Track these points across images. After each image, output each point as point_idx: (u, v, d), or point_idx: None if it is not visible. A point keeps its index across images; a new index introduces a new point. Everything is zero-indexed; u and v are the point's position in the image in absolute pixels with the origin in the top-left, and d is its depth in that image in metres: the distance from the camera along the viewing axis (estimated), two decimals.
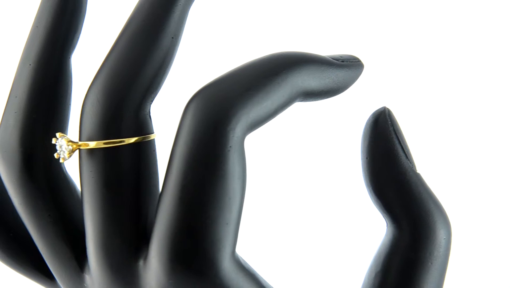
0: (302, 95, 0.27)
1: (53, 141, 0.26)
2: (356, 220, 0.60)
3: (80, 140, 0.26)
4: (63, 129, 0.28)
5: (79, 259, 0.28)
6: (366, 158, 0.30)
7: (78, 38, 0.29)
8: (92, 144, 0.26)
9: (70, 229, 0.28)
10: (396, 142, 0.29)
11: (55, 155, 0.26)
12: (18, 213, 0.29)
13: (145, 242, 0.27)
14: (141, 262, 0.26)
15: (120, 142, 0.26)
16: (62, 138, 0.26)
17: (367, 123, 0.30)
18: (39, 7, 0.28)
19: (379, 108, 0.30)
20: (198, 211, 0.25)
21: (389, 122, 0.30)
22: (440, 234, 0.29)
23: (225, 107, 0.24)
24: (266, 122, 0.26)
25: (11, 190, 0.28)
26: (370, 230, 0.58)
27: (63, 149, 0.26)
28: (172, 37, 0.27)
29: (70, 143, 0.26)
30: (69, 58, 0.28)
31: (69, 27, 0.28)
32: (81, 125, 0.26)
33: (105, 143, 0.26)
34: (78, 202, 0.29)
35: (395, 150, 0.29)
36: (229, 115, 0.24)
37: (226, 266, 0.25)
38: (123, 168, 0.26)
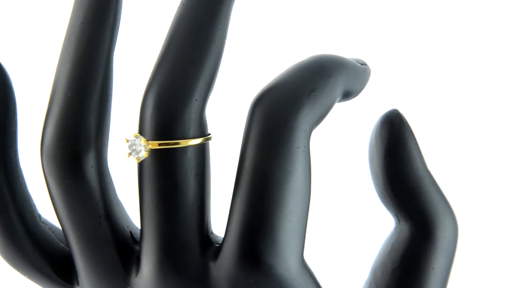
0: (342, 95, 0.29)
1: (125, 141, 0.26)
2: (353, 219, 0.61)
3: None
4: (109, 128, 0.28)
5: (124, 263, 0.28)
6: (386, 158, 0.32)
7: (118, 34, 0.28)
8: (174, 144, 0.26)
9: (117, 231, 0.28)
10: (415, 142, 0.31)
11: (127, 155, 0.26)
12: (59, 216, 0.28)
13: (210, 242, 0.27)
14: (209, 262, 0.27)
15: (191, 142, 0.26)
16: (138, 137, 0.26)
17: (380, 125, 0.31)
18: (79, 2, 0.27)
19: (391, 110, 0.32)
20: (272, 210, 0.26)
21: (406, 124, 0.32)
22: (453, 232, 0.31)
23: (296, 109, 0.26)
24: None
25: (59, 191, 0.27)
26: (364, 229, 0.60)
27: (140, 149, 0.26)
28: (223, 33, 0.27)
29: (149, 143, 0.26)
30: (113, 55, 0.28)
31: (114, 23, 0.27)
32: (144, 125, 0.26)
33: (176, 143, 0.26)
34: (120, 204, 0.28)
35: (414, 151, 0.31)
36: (300, 116, 0.26)
37: (297, 265, 0.26)
38: (191, 168, 0.26)
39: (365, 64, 0.30)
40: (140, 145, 0.26)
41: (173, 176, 0.26)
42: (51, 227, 0.30)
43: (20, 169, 0.29)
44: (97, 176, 0.27)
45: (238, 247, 0.26)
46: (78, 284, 0.29)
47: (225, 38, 0.27)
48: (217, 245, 0.27)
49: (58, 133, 0.26)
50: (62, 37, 0.28)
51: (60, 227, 0.30)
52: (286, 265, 0.26)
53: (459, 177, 0.60)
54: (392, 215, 0.33)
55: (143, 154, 0.26)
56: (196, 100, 0.26)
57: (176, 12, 0.27)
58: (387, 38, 0.62)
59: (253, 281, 0.26)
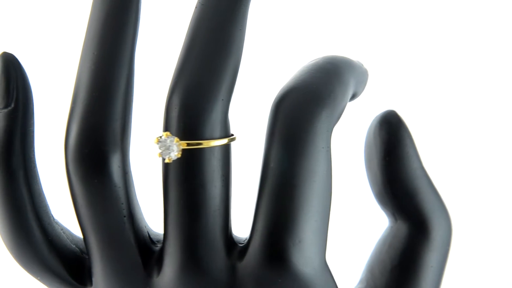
0: (351, 96, 0.29)
1: (155, 141, 0.26)
2: (345, 218, 0.61)
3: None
4: (131, 127, 0.28)
5: (144, 263, 0.28)
6: (386, 158, 0.32)
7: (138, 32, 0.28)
8: (202, 144, 0.26)
9: (138, 232, 0.28)
10: (413, 143, 0.32)
11: (157, 155, 0.26)
12: (81, 216, 0.27)
13: (233, 242, 0.27)
14: (235, 262, 0.27)
15: (219, 142, 0.26)
16: (171, 137, 0.26)
17: (379, 126, 0.32)
18: (100, 1, 0.27)
19: (388, 111, 0.33)
20: (300, 210, 0.26)
21: (404, 124, 0.33)
22: (448, 230, 0.32)
23: (319, 110, 0.26)
24: None
25: (84, 191, 0.27)
26: (355, 228, 0.60)
27: (173, 149, 0.26)
28: (243, 33, 0.27)
29: (182, 143, 0.26)
30: (135, 53, 0.28)
31: (136, 21, 0.27)
32: (171, 125, 0.26)
33: (206, 143, 0.26)
34: (138, 204, 0.28)
35: (413, 151, 0.32)
36: (323, 117, 0.26)
37: (321, 264, 0.27)
38: (218, 169, 0.26)
39: (363, 65, 0.31)
40: (173, 145, 0.25)
41: (201, 177, 0.26)
42: (62, 227, 0.29)
43: (37, 169, 0.28)
44: (123, 176, 0.27)
45: (266, 246, 0.26)
46: (91, 285, 0.29)
47: (244, 38, 0.27)
48: (240, 244, 0.27)
49: (85, 133, 0.26)
50: (82, 36, 0.28)
51: (71, 228, 0.30)
52: (312, 264, 0.26)
53: (453, 176, 0.61)
54: (388, 214, 0.34)
55: (175, 154, 0.26)
56: (222, 100, 0.26)
57: (195, 12, 0.27)
58: (379, 39, 0.62)
59: (281, 280, 0.26)
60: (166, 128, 0.26)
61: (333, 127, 0.27)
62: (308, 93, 0.26)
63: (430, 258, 0.32)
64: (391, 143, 0.33)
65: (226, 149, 0.27)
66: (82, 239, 0.30)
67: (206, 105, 0.26)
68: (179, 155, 0.26)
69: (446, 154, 0.62)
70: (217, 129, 0.26)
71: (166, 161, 0.26)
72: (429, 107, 0.62)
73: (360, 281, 0.33)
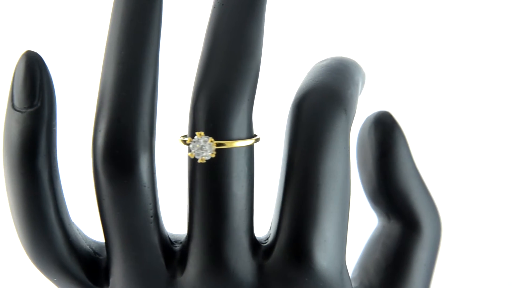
0: None
1: (188, 140, 0.26)
2: None
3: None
4: (156, 126, 0.28)
5: (167, 264, 0.28)
6: (381, 159, 0.33)
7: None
8: (234, 144, 0.26)
9: (161, 232, 0.28)
10: (407, 144, 0.33)
11: (189, 155, 0.26)
12: (106, 216, 0.27)
13: (257, 241, 0.28)
14: (260, 261, 0.27)
15: (248, 142, 0.27)
16: (204, 137, 0.26)
17: (373, 127, 0.33)
18: (123, 1, 0.27)
19: (382, 112, 0.34)
20: (325, 209, 0.27)
21: (398, 126, 0.34)
22: (439, 229, 0.34)
23: (340, 110, 0.27)
24: None
25: (113, 191, 0.26)
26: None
27: (207, 149, 0.26)
28: (263, 33, 0.27)
29: (216, 143, 0.26)
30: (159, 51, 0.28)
31: (160, 20, 0.27)
32: (199, 125, 0.26)
33: (236, 143, 0.26)
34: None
35: (407, 152, 0.33)
36: (344, 116, 0.27)
37: (343, 263, 0.28)
38: (245, 168, 0.27)
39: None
40: (206, 145, 0.26)
41: (230, 177, 0.26)
42: (77, 228, 0.29)
43: (58, 169, 0.28)
44: (151, 175, 0.27)
45: (293, 245, 0.26)
46: (107, 285, 0.28)
47: (263, 38, 0.27)
48: (263, 244, 0.28)
49: (116, 133, 0.26)
50: (105, 36, 0.27)
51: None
52: (335, 264, 0.27)
53: (444, 176, 0.62)
54: (380, 214, 0.35)
55: (209, 154, 0.26)
56: (248, 100, 0.27)
57: (214, 12, 0.27)
58: (369, 40, 0.63)
59: (308, 279, 0.26)
60: (193, 129, 0.26)
61: (351, 126, 0.28)
62: (328, 93, 0.27)
63: (423, 257, 0.33)
64: (387, 144, 0.34)
65: (251, 149, 0.27)
66: (94, 240, 0.29)
67: (234, 105, 0.26)
68: (213, 155, 0.26)
69: (436, 153, 0.62)
70: (244, 129, 0.26)
71: (199, 161, 0.26)
72: (416, 107, 0.62)
73: (353, 280, 0.33)
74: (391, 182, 0.34)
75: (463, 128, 0.62)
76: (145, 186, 0.26)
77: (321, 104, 0.27)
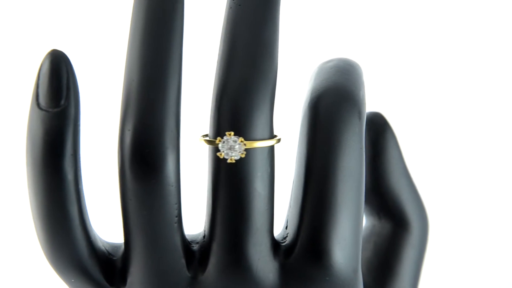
0: None
1: (217, 140, 0.26)
2: None
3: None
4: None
5: (188, 265, 0.28)
6: (375, 159, 0.34)
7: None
8: (261, 144, 0.26)
9: (183, 232, 0.28)
10: (398, 146, 0.34)
11: (218, 155, 0.26)
12: (130, 216, 0.27)
13: (276, 241, 0.28)
14: (281, 261, 0.27)
15: (272, 141, 0.27)
16: (234, 137, 0.26)
17: (366, 127, 0.34)
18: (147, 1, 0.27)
19: (375, 113, 0.35)
20: (345, 209, 0.27)
21: (391, 128, 0.35)
22: (427, 228, 0.35)
23: (356, 110, 0.28)
24: None
25: (140, 191, 0.26)
26: None
27: (236, 149, 0.26)
28: (278, 31, 0.28)
29: (246, 143, 0.26)
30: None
31: (183, 19, 0.27)
32: (225, 127, 0.26)
33: (263, 143, 0.27)
34: None
35: (399, 154, 0.34)
36: (359, 117, 0.28)
37: (359, 262, 0.28)
38: (268, 168, 0.27)
39: None
40: (236, 145, 0.26)
41: (255, 176, 0.27)
42: (93, 228, 0.29)
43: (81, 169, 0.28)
44: (177, 175, 0.27)
45: (314, 245, 0.27)
46: (123, 286, 0.28)
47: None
48: (282, 243, 0.28)
49: (145, 132, 0.26)
50: (127, 36, 0.27)
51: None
52: (352, 261, 0.28)
53: (433, 175, 0.63)
54: (371, 213, 0.36)
55: (239, 154, 0.26)
56: (270, 100, 0.27)
57: (231, 12, 0.27)
58: (360, 41, 0.63)
59: (329, 279, 0.27)
60: (219, 129, 0.27)
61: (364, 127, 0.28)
62: (344, 95, 0.28)
63: (412, 254, 0.35)
64: (380, 145, 0.34)
65: (273, 149, 0.27)
66: (106, 241, 0.29)
67: (258, 105, 0.26)
68: (243, 155, 0.26)
69: (424, 153, 0.63)
70: (268, 129, 0.27)
71: (229, 161, 0.26)
72: (406, 107, 0.63)
73: None
74: (383, 182, 0.35)
75: (452, 128, 0.63)
76: (172, 186, 0.26)
77: (338, 105, 0.27)
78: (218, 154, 0.26)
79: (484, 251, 0.63)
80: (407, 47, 0.63)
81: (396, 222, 0.35)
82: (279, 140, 0.27)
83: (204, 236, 0.28)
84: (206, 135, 0.28)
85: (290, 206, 0.29)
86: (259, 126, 0.26)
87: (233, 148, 0.26)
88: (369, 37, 0.63)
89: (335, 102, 0.27)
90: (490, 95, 0.63)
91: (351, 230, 0.27)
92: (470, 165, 0.63)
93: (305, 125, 0.28)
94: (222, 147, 0.26)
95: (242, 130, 0.26)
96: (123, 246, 0.28)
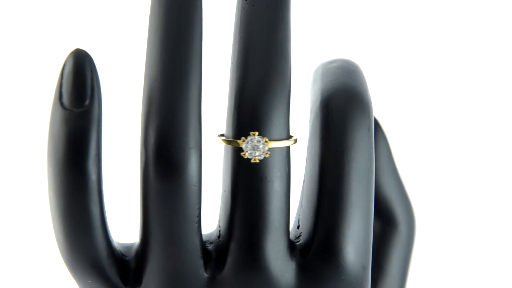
0: None
1: (242, 140, 0.26)
2: None
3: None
4: None
5: (205, 264, 0.28)
6: None
7: None
8: (282, 143, 0.27)
9: (201, 232, 0.28)
10: (389, 148, 0.35)
11: (242, 154, 0.26)
12: (151, 216, 0.27)
13: (291, 240, 0.28)
14: (297, 260, 0.28)
15: (291, 141, 0.27)
16: (258, 137, 0.26)
17: None
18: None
19: None
20: (360, 210, 0.28)
21: (383, 131, 0.36)
22: (414, 228, 0.36)
23: (368, 110, 0.28)
24: None
25: (164, 191, 0.26)
26: None
27: (260, 149, 0.26)
28: (290, 31, 0.28)
29: (269, 143, 0.26)
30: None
31: (201, 19, 0.27)
32: (245, 127, 0.27)
33: (285, 143, 0.27)
34: None
35: (390, 153, 0.35)
36: (368, 117, 0.28)
37: (370, 262, 0.29)
38: (286, 167, 0.28)
39: None
40: (260, 144, 0.26)
41: (276, 176, 0.27)
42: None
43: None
44: (200, 175, 0.27)
45: (331, 246, 0.27)
46: (138, 286, 0.28)
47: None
48: (296, 242, 0.28)
49: (170, 132, 0.26)
50: (146, 35, 0.27)
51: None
52: (363, 260, 0.28)
53: (422, 175, 0.64)
54: None
55: (264, 154, 0.26)
56: (287, 100, 0.27)
57: (245, 12, 0.28)
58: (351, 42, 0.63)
59: (344, 278, 0.28)
60: (239, 129, 0.27)
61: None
62: (354, 96, 0.28)
63: (401, 252, 0.36)
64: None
65: (289, 149, 0.28)
66: (118, 241, 0.29)
67: (278, 105, 0.27)
68: (267, 155, 0.26)
69: (413, 153, 0.64)
70: (286, 129, 0.27)
71: (252, 161, 0.26)
72: (396, 108, 0.63)
73: None
74: (375, 183, 0.35)
75: (443, 129, 0.64)
76: (195, 186, 0.26)
77: (350, 106, 0.28)
78: (242, 154, 0.26)
79: (473, 250, 0.64)
80: (399, 48, 0.63)
81: (384, 221, 0.35)
82: (296, 140, 0.28)
83: (219, 236, 0.28)
84: (222, 135, 0.28)
85: (301, 206, 0.29)
86: (279, 126, 0.27)
87: (257, 148, 0.26)
88: (361, 38, 0.63)
89: (347, 103, 0.28)
90: (482, 96, 0.64)
91: (364, 229, 0.28)
92: (460, 165, 0.64)
93: (317, 126, 0.28)
94: (246, 147, 0.26)
95: (264, 130, 0.26)
96: (134, 246, 0.28)
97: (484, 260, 0.64)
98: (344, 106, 0.28)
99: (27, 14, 0.61)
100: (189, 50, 0.26)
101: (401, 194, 0.36)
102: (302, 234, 0.29)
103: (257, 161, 0.26)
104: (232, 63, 0.28)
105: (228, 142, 0.27)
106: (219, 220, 0.29)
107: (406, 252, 0.36)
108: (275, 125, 0.27)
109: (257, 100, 0.26)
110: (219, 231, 0.28)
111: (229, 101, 0.28)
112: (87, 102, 0.26)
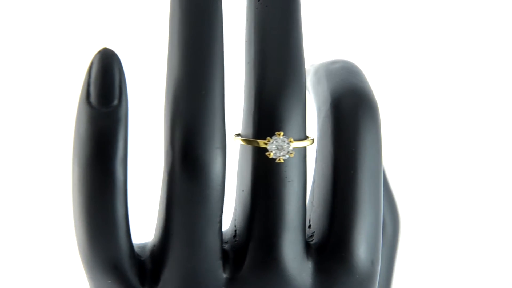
0: None
1: (267, 140, 0.26)
2: None
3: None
4: None
5: (224, 264, 0.28)
6: None
7: None
8: (304, 143, 0.27)
9: (222, 235, 0.28)
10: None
11: (268, 154, 0.26)
12: (173, 216, 0.26)
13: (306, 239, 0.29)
14: (313, 258, 0.28)
15: (310, 140, 0.28)
16: (283, 137, 0.26)
17: None
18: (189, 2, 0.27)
19: None
20: (375, 209, 0.28)
21: None
22: (400, 228, 0.38)
23: (375, 110, 0.29)
24: None
25: (190, 190, 0.26)
26: None
27: (284, 149, 0.26)
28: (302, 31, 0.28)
29: (295, 142, 0.26)
30: None
31: (222, 16, 0.27)
32: (267, 128, 0.27)
33: (307, 143, 0.27)
34: None
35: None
36: (379, 117, 0.29)
37: (379, 259, 0.29)
38: (305, 167, 0.28)
39: None
40: (285, 144, 0.26)
41: (296, 176, 0.27)
42: None
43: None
44: (224, 175, 0.27)
45: (346, 246, 0.28)
46: (155, 286, 0.28)
47: None
48: (310, 241, 0.29)
49: (197, 132, 0.26)
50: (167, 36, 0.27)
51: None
52: (375, 258, 0.29)
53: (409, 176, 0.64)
54: None
55: (289, 154, 0.26)
56: (305, 100, 0.28)
57: (258, 13, 0.28)
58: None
59: (358, 276, 0.28)
60: (259, 129, 0.27)
61: None
62: (363, 96, 0.29)
63: (386, 253, 0.36)
64: None
65: (306, 149, 0.28)
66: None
67: (297, 106, 0.27)
68: (292, 155, 0.27)
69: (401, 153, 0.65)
70: (304, 129, 0.28)
71: (277, 161, 0.26)
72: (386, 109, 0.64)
73: None
74: None
75: (432, 128, 0.65)
76: (220, 186, 0.26)
77: (362, 107, 0.28)
78: (266, 154, 0.27)
79: (460, 251, 0.65)
80: (391, 49, 0.64)
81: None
82: (313, 141, 0.28)
83: (234, 236, 0.28)
84: (238, 134, 0.28)
85: (312, 206, 0.30)
86: (299, 125, 0.27)
87: (281, 148, 0.26)
88: (349, 38, 0.63)
89: (358, 104, 0.28)
90: (478, 98, 0.65)
91: (376, 227, 0.28)
92: (449, 166, 0.65)
93: (329, 126, 0.29)
94: (271, 147, 0.26)
95: (286, 130, 0.27)
96: (148, 246, 0.28)
97: (473, 260, 0.65)
98: (356, 107, 0.28)
99: (48, 14, 0.60)
100: (213, 50, 0.26)
101: (387, 196, 0.36)
102: (315, 234, 0.29)
103: (282, 161, 0.27)
104: (248, 63, 0.28)
105: (247, 142, 0.27)
106: (235, 219, 0.29)
107: (391, 252, 0.36)
108: (296, 125, 0.27)
109: (277, 101, 0.27)
110: (235, 230, 0.29)
111: (247, 101, 0.28)
112: (115, 101, 0.25)
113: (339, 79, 0.30)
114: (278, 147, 0.26)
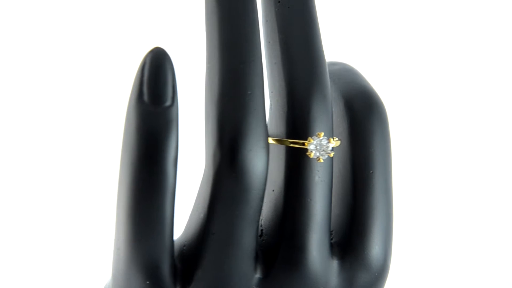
0: None
1: (309, 140, 0.26)
2: None
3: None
4: None
5: (255, 264, 0.28)
6: None
7: None
8: (338, 143, 0.27)
9: (258, 236, 0.27)
10: None
11: (308, 154, 0.27)
12: (214, 219, 0.26)
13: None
14: (339, 259, 0.28)
15: (340, 141, 0.28)
16: (324, 137, 0.26)
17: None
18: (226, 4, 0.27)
19: None
20: (391, 208, 0.29)
21: None
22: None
23: (384, 110, 0.30)
24: None
25: (237, 191, 0.26)
26: None
27: (324, 148, 0.26)
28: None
29: (335, 142, 0.27)
30: None
31: (257, 17, 0.27)
32: (303, 129, 0.27)
33: (339, 142, 0.28)
34: None
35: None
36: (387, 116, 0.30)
37: (391, 255, 0.30)
38: (332, 168, 0.28)
39: None
40: (326, 144, 0.26)
41: (325, 176, 0.28)
42: None
43: None
44: (266, 175, 0.26)
45: (368, 246, 0.28)
46: (188, 286, 0.27)
47: None
48: (330, 240, 0.29)
49: (246, 134, 0.26)
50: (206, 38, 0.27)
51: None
52: (389, 253, 0.29)
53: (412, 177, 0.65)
54: None
55: (329, 154, 0.27)
56: (331, 100, 0.28)
57: (280, 14, 0.28)
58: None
59: (378, 274, 0.29)
60: (293, 129, 0.27)
61: None
62: (374, 97, 0.29)
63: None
64: None
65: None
66: None
67: (327, 105, 0.27)
68: (331, 155, 0.27)
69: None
70: (332, 128, 0.28)
71: (318, 160, 0.27)
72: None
73: None
74: None
75: (432, 129, 0.66)
76: (263, 185, 0.26)
77: (375, 109, 0.29)
78: (307, 154, 0.27)
79: (460, 250, 0.66)
80: (385, 50, 0.65)
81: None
82: (340, 140, 0.29)
83: (261, 235, 0.28)
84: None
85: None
86: (330, 125, 0.27)
87: (322, 148, 0.26)
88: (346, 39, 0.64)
89: (371, 106, 0.29)
90: (475, 99, 0.66)
91: (391, 225, 0.29)
92: (447, 166, 0.66)
93: (345, 127, 0.29)
94: (314, 147, 0.26)
95: (320, 130, 0.27)
96: (177, 245, 0.28)
97: (473, 260, 0.66)
98: (370, 109, 0.29)
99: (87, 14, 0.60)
100: (255, 50, 0.26)
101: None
102: (333, 232, 0.29)
103: (321, 160, 0.27)
104: (275, 63, 0.28)
105: (279, 141, 0.27)
106: (261, 219, 0.29)
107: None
108: (328, 124, 0.27)
109: (310, 101, 0.27)
110: (261, 230, 0.29)
111: (277, 101, 0.28)
112: (169, 101, 0.25)
113: (346, 80, 0.30)
114: (317, 147, 0.26)
